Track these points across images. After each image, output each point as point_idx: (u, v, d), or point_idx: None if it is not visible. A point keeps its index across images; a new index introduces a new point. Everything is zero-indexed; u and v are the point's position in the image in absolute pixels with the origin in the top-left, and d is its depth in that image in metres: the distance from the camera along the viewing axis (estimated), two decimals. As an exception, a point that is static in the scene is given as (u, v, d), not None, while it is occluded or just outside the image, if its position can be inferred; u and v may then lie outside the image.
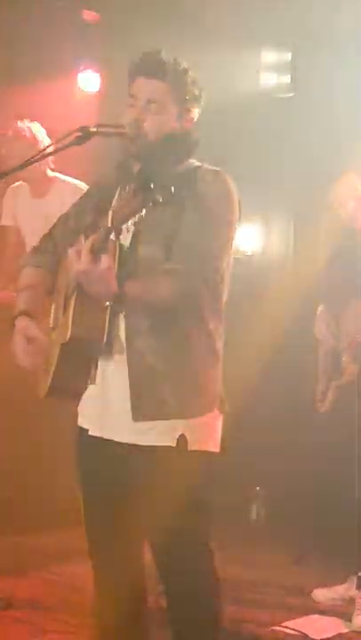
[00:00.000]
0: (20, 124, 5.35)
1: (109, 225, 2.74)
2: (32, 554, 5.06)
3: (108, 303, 2.82)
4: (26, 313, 3.06)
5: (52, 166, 5.43)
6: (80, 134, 2.90)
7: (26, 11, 5.91)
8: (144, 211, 2.73)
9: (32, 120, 5.34)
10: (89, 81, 6.39)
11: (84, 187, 4.82)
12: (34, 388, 3.13)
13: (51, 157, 5.17)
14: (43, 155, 3.01)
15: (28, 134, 5.17)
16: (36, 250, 3.25)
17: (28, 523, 5.32)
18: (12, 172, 2.88)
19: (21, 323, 3.04)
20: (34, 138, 5.18)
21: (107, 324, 2.87)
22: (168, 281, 2.84)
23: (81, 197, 3.25)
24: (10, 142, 5.20)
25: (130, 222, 2.89)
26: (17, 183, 5.56)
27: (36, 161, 2.94)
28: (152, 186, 2.69)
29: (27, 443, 5.64)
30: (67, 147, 2.97)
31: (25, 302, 3.11)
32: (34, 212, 5.39)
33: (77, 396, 3.06)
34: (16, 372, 5.24)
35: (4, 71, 5.97)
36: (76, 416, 3.09)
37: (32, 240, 5.24)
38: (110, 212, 2.80)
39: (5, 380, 5.53)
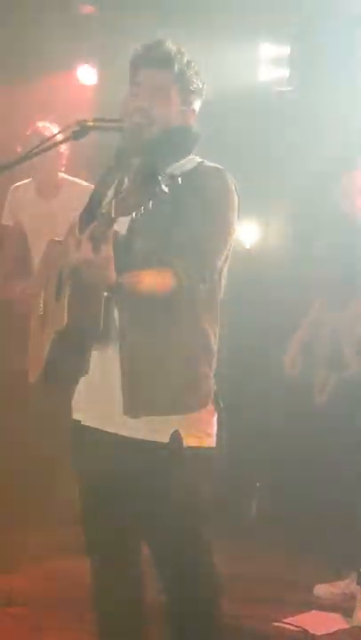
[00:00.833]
0: (39, 124, 5.35)
1: (112, 215, 2.71)
2: (31, 550, 5.05)
3: (105, 293, 2.79)
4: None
5: (63, 168, 5.46)
6: (78, 129, 2.88)
7: (22, 5, 5.88)
8: (150, 202, 2.70)
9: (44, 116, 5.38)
10: (87, 74, 6.37)
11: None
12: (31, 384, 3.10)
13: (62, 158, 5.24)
14: (40, 149, 2.97)
15: (47, 134, 5.14)
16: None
17: (27, 519, 5.31)
18: (5, 167, 2.84)
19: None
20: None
21: (102, 314, 2.85)
22: (166, 274, 2.81)
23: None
24: (28, 141, 5.18)
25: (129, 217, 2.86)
26: (23, 181, 5.55)
27: (34, 156, 2.91)
28: (160, 177, 2.66)
29: (23, 441, 5.64)
30: (64, 141, 2.98)
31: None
32: (39, 212, 5.38)
33: (69, 385, 3.05)
34: (13, 366, 5.27)
35: (2, 64, 5.95)
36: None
37: (36, 240, 5.24)
38: (113, 202, 2.76)
39: (2, 378, 5.55)
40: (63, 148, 5.24)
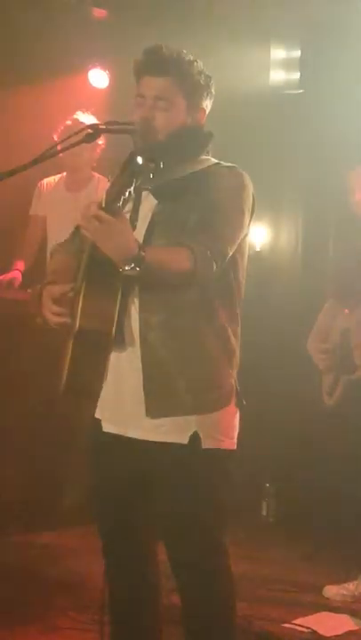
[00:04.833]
0: (80, 114, 5.40)
1: (103, 205, 2.69)
2: (43, 552, 5.06)
3: (127, 267, 2.70)
4: (50, 283, 3.05)
5: (95, 163, 5.54)
6: (90, 131, 2.90)
7: (34, 9, 5.91)
8: (133, 186, 2.71)
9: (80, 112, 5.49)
10: (98, 78, 6.39)
11: None
12: (51, 387, 3.10)
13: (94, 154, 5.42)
14: (53, 152, 2.99)
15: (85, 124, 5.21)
16: (66, 240, 3.24)
17: (39, 521, 5.34)
18: (22, 168, 2.86)
19: (47, 289, 3.02)
20: None
21: (116, 315, 2.85)
22: (182, 251, 2.78)
23: None
24: (65, 132, 5.23)
25: (147, 216, 2.90)
26: (52, 177, 5.63)
27: (46, 159, 2.93)
28: (139, 160, 2.70)
29: (38, 443, 5.67)
30: (77, 144, 2.98)
31: (50, 278, 3.10)
32: (66, 205, 5.46)
33: (93, 397, 3.04)
34: (32, 369, 5.30)
35: (14, 69, 5.98)
36: (89, 413, 3.09)
37: (59, 231, 5.30)
38: (104, 194, 2.78)
39: (20, 379, 5.58)
40: (100, 142, 5.35)
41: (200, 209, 2.88)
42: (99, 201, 2.70)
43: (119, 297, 2.86)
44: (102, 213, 2.66)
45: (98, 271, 2.83)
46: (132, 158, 2.75)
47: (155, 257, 2.75)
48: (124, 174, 2.72)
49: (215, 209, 2.89)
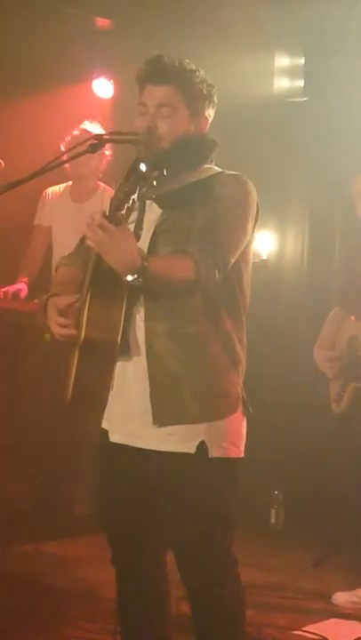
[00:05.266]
0: (87, 124, 5.43)
1: (107, 214, 2.71)
2: (52, 561, 5.07)
3: (130, 278, 2.71)
4: (55, 295, 3.06)
5: (101, 174, 5.55)
6: (94, 142, 2.91)
7: (38, 19, 5.93)
8: (137, 193, 2.71)
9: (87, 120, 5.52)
10: (103, 87, 6.41)
11: None
12: (57, 399, 3.11)
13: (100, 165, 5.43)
14: (58, 163, 3.00)
15: (92, 133, 5.22)
16: (71, 253, 3.25)
17: (48, 530, 5.35)
18: (27, 179, 2.87)
19: (51, 301, 3.03)
20: None
21: (122, 324, 2.86)
22: (188, 260, 2.79)
23: None
24: (73, 140, 5.26)
25: (151, 225, 2.91)
26: (58, 186, 5.64)
27: (51, 169, 2.94)
28: (142, 167, 2.71)
29: (46, 453, 5.68)
30: (81, 154, 2.99)
31: (55, 290, 3.11)
32: (71, 216, 5.46)
33: (99, 407, 3.03)
34: (39, 380, 5.31)
35: (18, 80, 6.00)
36: (95, 424, 3.10)
37: (65, 242, 5.31)
38: (108, 202, 2.79)
39: (27, 391, 5.60)
40: (107, 152, 5.37)
41: (203, 216, 2.89)
42: (103, 210, 2.72)
43: (124, 306, 2.86)
44: (106, 223, 2.67)
45: (103, 281, 2.84)
46: (135, 165, 2.76)
47: (157, 267, 2.76)
48: (128, 181, 2.73)
49: (218, 216, 2.90)
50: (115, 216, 2.69)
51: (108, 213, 2.70)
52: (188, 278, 2.79)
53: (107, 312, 2.86)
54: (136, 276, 2.71)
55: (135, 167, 2.76)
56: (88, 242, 2.77)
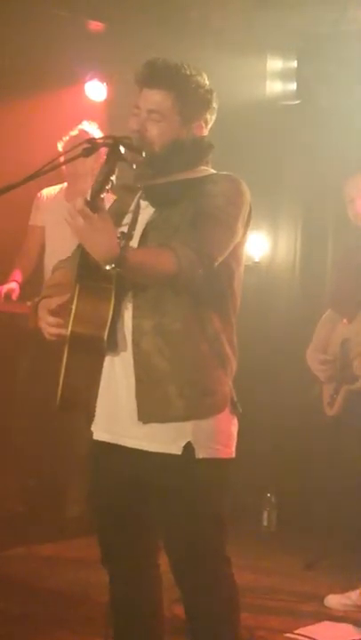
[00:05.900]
0: (86, 124, 5.43)
1: (88, 199, 2.73)
2: (46, 564, 5.06)
3: (108, 267, 2.72)
4: (47, 297, 3.06)
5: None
6: (88, 145, 2.92)
7: (31, 22, 5.93)
8: (112, 180, 2.75)
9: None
10: (96, 90, 6.41)
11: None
12: (49, 400, 3.11)
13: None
14: (54, 165, 3.00)
15: (91, 134, 5.23)
16: (68, 257, 3.24)
17: (41, 533, 5.35)
18: (22, 182, 2.88)
19: (43, 302, 3.04)
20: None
21: (109, 320, 2.86)
22: (170, 253, 2.80)
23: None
24: (71, 141, 5.26)
25: (139, 223, 2.94)
26: (54, 187, 5.64)
27: (44, 173, 2.94)
28: (122, 149, 2.76)
29: (39, 455, 5.69)
30: (75, 158, 3.00)
31: (48, 292, 3.11)
32: (64, 216, 5.45)
33: (89, 404, 3.03)
34: (30, 382, 5.30)
35: (10, 83, 5.99)
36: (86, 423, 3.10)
37: (58, 242, 5.32)
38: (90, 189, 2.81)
39: (18, 393, 5.60)
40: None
41: (193, 213, 2.90)
42: (85, 197, 2.73)
43: (112, 302, 2.87)
44: (87, 209, 2.68)
45: (90, 275, 2.85)
46: (114, 146, 2.79)
47: (137, 258, 2.78)
48: (108, 163, 2.76)
49: (206, 213, 2.90)
50: (94, 202, 2.70)
51: (89, 198, 2.72)
52: (170, 271, 2.78)
53: (94, 307, 2.87)
54: (114, 265, 2.72)
55: (114, 149, 2.80)
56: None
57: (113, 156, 2.80)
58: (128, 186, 3.06)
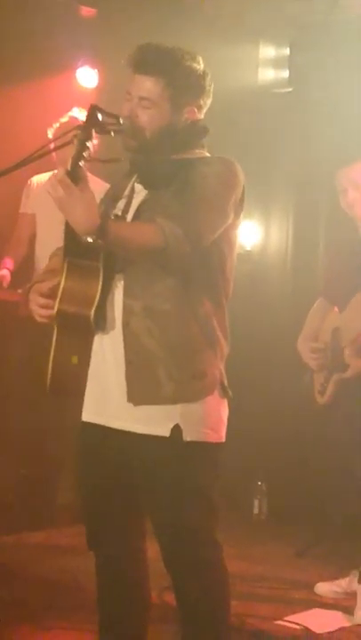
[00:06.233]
0: (76, 110, 5.40)
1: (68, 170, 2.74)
2: (35, 551, 5.06)
3: (89, 239, 2.72)
4: (39, 281, 3.06)
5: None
6: (78, 132, 2.90)
7: (22, 8, 5.90)
8: (89, 146, 2.77)
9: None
10: (87, 77, 6.39)
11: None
12: (40, 387, 3.09)
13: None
14: (41, 153, 2.98)
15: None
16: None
17: (31, 520, 5.35)
18: (12, 169, 2.86)
19: (35, 286, 3.04)
20: None
21: (97, 298, 2.85)
22: (155, 227, 2.79)
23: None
24: (61, 128, 5.23)
25: (132, 206, 2.94)
26: (44, 174, 5.62)
27: (34, 160, 2.92)
28: (99, 116, 2.78)
29: (29, 442, 5.68)
30: (65, 144, 2.98)
31: (41, 277, 3.11)
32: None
33: (79, 390, 3.02)
34: (21, 369, 5.29)
35: (1, 68, 5.97)
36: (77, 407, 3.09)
37: (48, 229, 5.30)
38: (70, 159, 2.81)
39: (9, 380, 5.59)
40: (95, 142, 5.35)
41: (184, 193, 2.89)
42: (66, 167, 2.73)
43: (100, 280, 2.86)
44: (67, 179, 2.69)
45: (77, 251, 2.83)
46: (92, 113, 2.80)
47: (120, 231, 2.79)
48: (84, 129, 2.77)
49: (197, 192, 2.89)
50: (76, 172, 2.70)
51: (70, 168, 2.71)
52: (155, 244, 2.78)
53: (82, 285, 2.86)
54: (95, 237, 2.72)
55: (92, 113, 2.81)
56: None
57: (89, 122, 2.80)
58: (123, 172, 3.05)
